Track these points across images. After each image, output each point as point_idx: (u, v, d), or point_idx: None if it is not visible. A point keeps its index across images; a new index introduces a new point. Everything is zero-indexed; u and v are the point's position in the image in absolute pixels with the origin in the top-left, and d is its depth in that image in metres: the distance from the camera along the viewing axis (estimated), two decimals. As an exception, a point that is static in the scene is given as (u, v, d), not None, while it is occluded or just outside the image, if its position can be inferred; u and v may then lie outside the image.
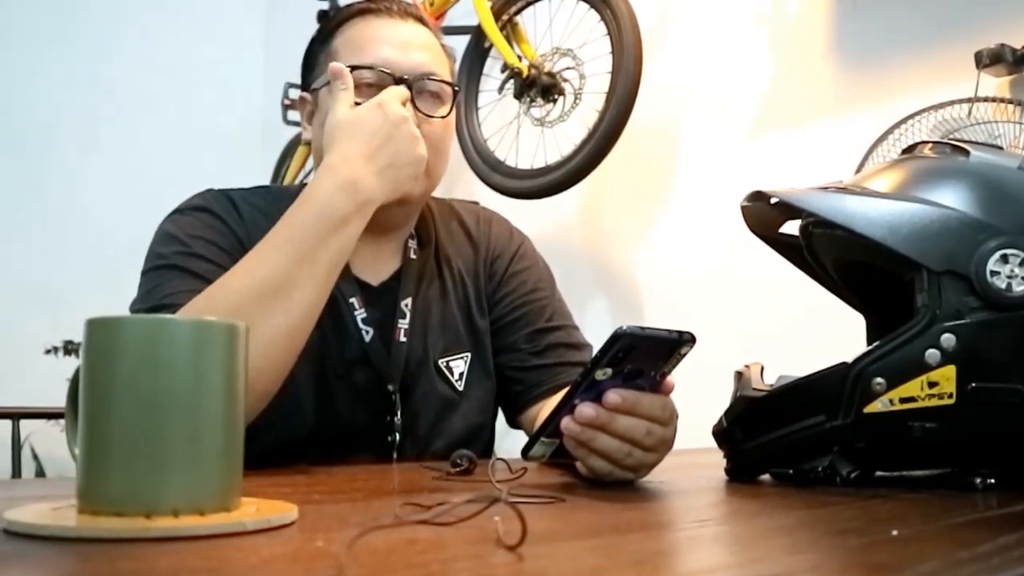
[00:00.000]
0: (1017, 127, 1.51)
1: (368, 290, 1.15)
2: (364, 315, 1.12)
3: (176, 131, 3.17)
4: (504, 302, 1.23)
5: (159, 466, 0.52)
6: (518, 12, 2.27)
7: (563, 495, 0.73)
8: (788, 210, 0.98)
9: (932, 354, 0.80)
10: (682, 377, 0.84)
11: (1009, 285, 0.80)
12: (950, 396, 0.79)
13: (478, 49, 2.37)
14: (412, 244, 1.20)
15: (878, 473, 0.90)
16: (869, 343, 0.96)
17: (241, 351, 0.57)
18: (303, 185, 1.21)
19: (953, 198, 0.84)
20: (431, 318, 1.17)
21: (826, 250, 0.98)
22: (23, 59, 3.01)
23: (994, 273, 0.80)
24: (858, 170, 1.64)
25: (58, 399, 2.16)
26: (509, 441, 1.35)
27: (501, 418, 1.26)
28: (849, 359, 0.82)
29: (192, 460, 0.53)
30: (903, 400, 0.80)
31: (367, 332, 1.12)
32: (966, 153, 0.89)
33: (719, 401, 0.95)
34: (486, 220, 1.30)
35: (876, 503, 0.73)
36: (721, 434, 0.93)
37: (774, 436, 0.86)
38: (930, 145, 0.95)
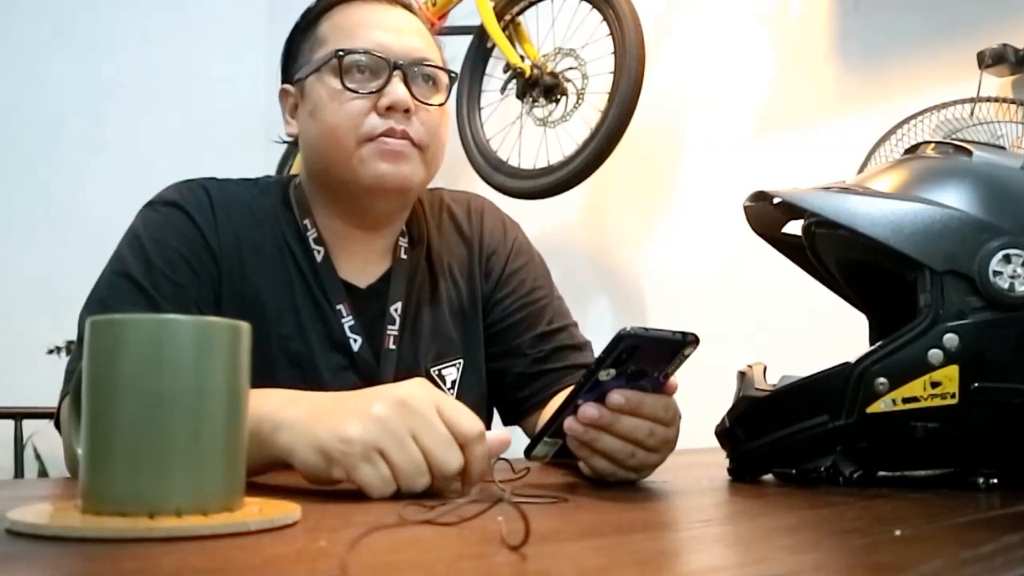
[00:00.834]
0: (1020, 127, 1.51)
1: (355, 294, 1.10)
2: (352, 323, 1.08)
3: (179, 131, 3.17)
4: (503, 304, 1.19)
5: (162, 466, 0.52)
6: (520, 12, 2.27)
7: (566, 495, 0.73)
8: (790, 210, 0.98)
9: (935, 354, 0.80)
10: (685, 377, 0.84)
11: (1012, 285, 0.80)
12: (953, 396, 0.79)
13: (480, 49, 2.37)
14: (403, 242, 1.15)
15: (881, 473, 0.90)
16: (872, 343, 0.96)
17: (244, 350, 0.57)
18: (292, 177, 1.20)
19: (956, 198, 0.84)
20: (422, 323, 1.13)
21: (829, 250, 0.98)
22: (26, 60, 3.01)
23: (997, 273, 0.80)
24: (860, 170, 1.64)
25: (61, 399, 2.15)
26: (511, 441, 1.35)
27: (499, 419, 1.24)
28: (852, 359, 0.82)
29: (195, 460, 0.53)
30: (906, 400, 0.80)
31: (355, 341, 1.07)
32: (969, 153, 0.89)
33: (722, 401, 0.95)
34: (477, 211, 1.24)
35: (879, 503, 0.73)
36: (724, 434, 0.93)
37: (777, 436, 0.86)
38: (932, 145, 0.95)
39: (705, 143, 2.23)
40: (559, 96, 2.19)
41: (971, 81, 1.62)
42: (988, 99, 1.57)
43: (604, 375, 0.78)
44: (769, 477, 0.92)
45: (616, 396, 0.78)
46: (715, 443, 0.95)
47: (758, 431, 0.89)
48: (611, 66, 2.03)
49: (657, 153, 2.32)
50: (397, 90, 1.06)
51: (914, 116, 1.63)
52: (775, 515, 0.69)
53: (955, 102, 1.59)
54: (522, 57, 2.22)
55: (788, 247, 1.04)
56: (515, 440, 1.21)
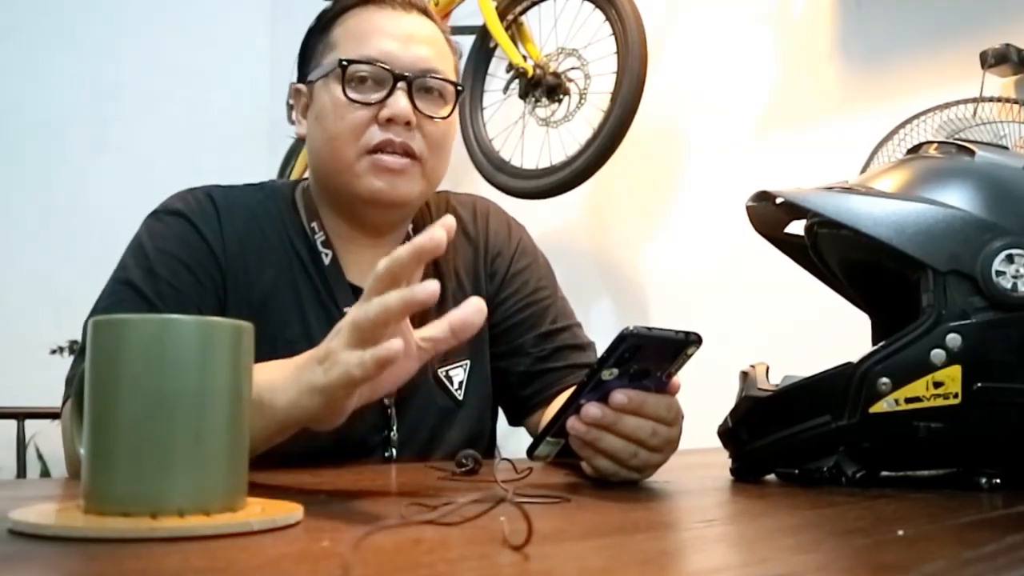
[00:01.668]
0: (1022, 127, 1.51)
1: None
2: None
3: (182, 131, 3.18)
4: (507, 304, 1.19)
5: (165, 466, 0.52)
6: (523, 12, 2.27)
7: (568, 495, 0.73)
8: (793, 210, 0.98)
9: (937, 354, 0.80)
10: (688, 377, 0.84)
11: (1015, 285, 0.80)
12: (955, 396, 0.79)
13: (483, 49, 2.37)
14: None
15: (883, 473, 0.90)
16: (874, 343, 0.96)
17: (246, 350, 0.57)
18: (299, 180, 1.20)
19: (958, 198, 0.84)
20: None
21: (831, 250, 0.98)
22: (29, 60, 3.01)
23: (999, 273, 0.80)
24: (863, 170, 1.63)
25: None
26: (513, 441, 1.35)
27: (502, 419, 1.25)
28: (854, 359, 0.82)
29: (198, 460, 0.53)
30: (908, 400, 0.80)
31: None
32: (971, 153, 0.89)
33: (724, 401, 0.95)
34: (483, 214, 1.24)
35: (882, 503, 0.73)
36: (726, 434, 0.93)
37: (779, 436, 0.86)
38: (935, 145, 0.95)
39: (707, 143, 2.23)
40: (561, 96, 2.19)
41: (974, 81, 1.62)
42: (991, 99, 1.57)
43: (607, 375, 0.78)
44: (772, 477, 0.92)
45: (619, 396, 0.78)
46: (718, 443, 0.95)
47: (761, 431, 0.89)
48: (614, 66, 2.03)
49: (659, 153, 2.32)
50: (399, 102, 1.06)
51: (917, 116, 1.62)
52: (778, 515, 0.69)
53: (958, 102, 1.59)
54: (525, 57, 2.22)
55: (790, 247, 1.04)
56: (518, 440, 1.22)
